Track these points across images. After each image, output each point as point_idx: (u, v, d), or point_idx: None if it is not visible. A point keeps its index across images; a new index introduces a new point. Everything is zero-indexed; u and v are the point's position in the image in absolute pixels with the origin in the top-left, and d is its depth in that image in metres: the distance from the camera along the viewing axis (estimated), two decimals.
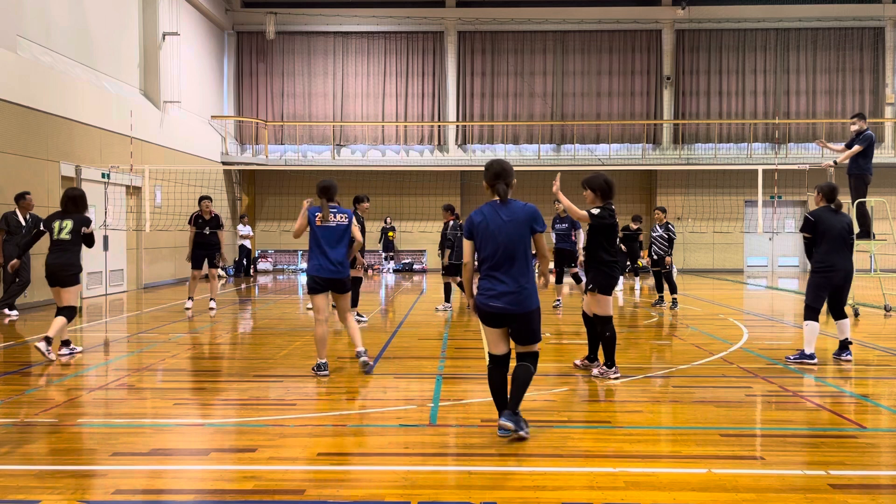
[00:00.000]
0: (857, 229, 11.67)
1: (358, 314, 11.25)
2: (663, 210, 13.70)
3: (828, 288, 7.71)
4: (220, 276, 20.44)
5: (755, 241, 24.51)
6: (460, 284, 12.65)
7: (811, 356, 7.68)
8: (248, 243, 22.32)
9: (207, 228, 12.30)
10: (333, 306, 7.55)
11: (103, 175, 14.78)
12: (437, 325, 10.95)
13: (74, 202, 8.21)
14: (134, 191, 16.81)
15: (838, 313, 7.95)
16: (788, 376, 7.16)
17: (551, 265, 7.03)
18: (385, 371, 7.51)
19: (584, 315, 7.40)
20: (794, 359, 7.79)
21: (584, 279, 11.24)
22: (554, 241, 13.20)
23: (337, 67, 25.05)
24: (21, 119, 12.79)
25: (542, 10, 24.75)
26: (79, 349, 8.40)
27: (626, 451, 4.78)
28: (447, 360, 7.97)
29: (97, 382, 7.02)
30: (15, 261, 8.71)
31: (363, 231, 11.12)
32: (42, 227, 8.26)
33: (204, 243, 12.34)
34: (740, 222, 23.58)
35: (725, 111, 24.88)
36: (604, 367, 7.05)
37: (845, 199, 12.14)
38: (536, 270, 5.16)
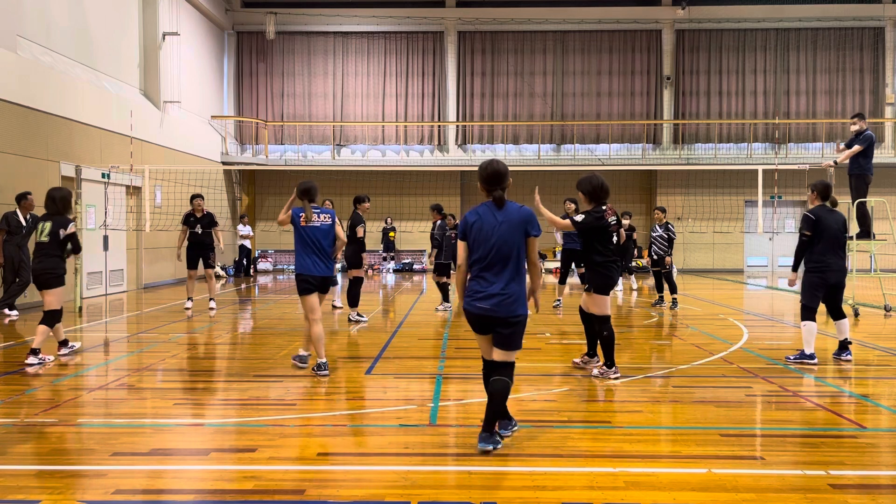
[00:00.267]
0: (857, 229, 11.69)
1: (358, 314, 11.25)
2: (663, 210, 13.70)
3: (823, 287, 7.68)
4: (219, 276, 20.47)
5: (755, 241, 24.51)
6: (442, 285, 12.66)
7: (811, 356, 7.68)
8: (248, 243, 22.32)
9: (199, 227, 12.28)
10: (337, 306, 7.56)
11: (103, 175, 14.78)
12: (437, 325, 10.95)
13: (53, 202, 7.95)
14: (134, 191, 16.81)
15: (837, 313, 7.95)
16: (788, 376, 7.16)
17: (549, 274, 7.13)
18: (385, 371, 7.51)
19: (581, 312, 7.45)
20: (794, 359, 7.79)
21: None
22: (562, 241, 13.20)
23: (337, 67, 25.05)
24: (21, 119, 12.79)
25: (542, 10, 24.75)
26: (77, 345, 8.43)
27: (626, 451, 4.78)
28: (447, 360, 7.97)
29: (97, 382, 7.03)
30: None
31: (363, 231, 11.17)
32: (13, 230, 8.19)
33: (198, 243, 12.33)
34: (740, 222, 23.57)
35: (725, 111, 24.88)
36: (604, 367, 7.06)
37: (845, 199, 12.17)
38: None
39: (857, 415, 5.85)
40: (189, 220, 12.33)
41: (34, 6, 13.71)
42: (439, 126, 25.06)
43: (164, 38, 18.84)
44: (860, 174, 11.37)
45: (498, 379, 4.76)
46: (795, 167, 15.34)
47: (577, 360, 7.63)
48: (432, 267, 12.81)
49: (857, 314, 11.71)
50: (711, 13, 24.62)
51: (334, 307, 12.85)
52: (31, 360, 7.63)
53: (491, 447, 4.70)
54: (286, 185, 22.56)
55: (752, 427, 5.60)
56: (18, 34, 13.08)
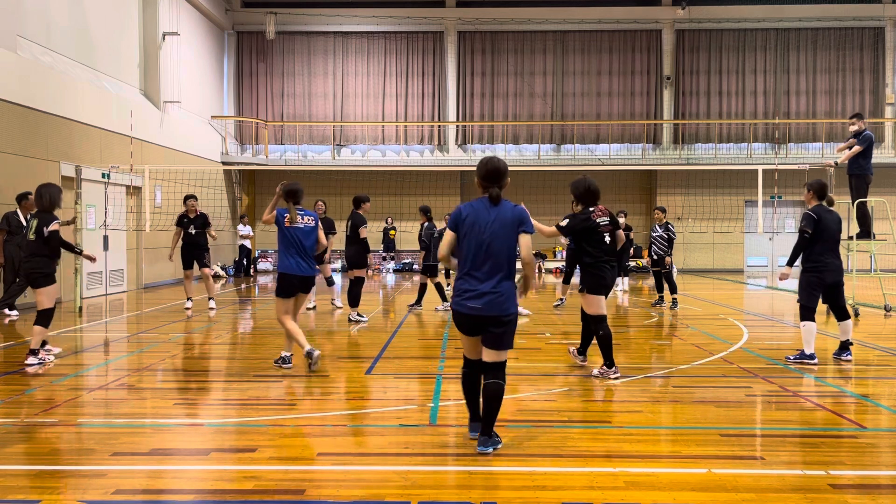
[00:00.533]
0: (857, 229, 11.69)
1: (358, 314, 11.25)
2: (663, 210, 13.69)
3: (820, 287, 7.67)
4: (219, 277, 20.48)
5: (755, 241, 24.51)
6: (437, 285, 12.69)
7: (811, 356, 7.68)
8: (248, 243, 22.32)
9: (193, 228, 12.31)
10: (337, 306, 7.59)
11: (103, 175, 14.78)
12: (437, 325, 10.95)
13: (40, 199, 7.75)
14: (134, 191, 16.81)
15: (841, 313, 7.94)
16: (788, 376, 7.16)
17: (542, 270, 7.26)
18: (385, 371, 7.52)
19: (582, 311, 7.49)
20: (795, 359, 7.79)
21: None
22: (566, 240, 13.17)
23: (337, 67, 25.05)
24: (21, 119, 12.79)
25: (542, 10, 24.75)
26: (57, 350, 8.21)
27: (626, 451, 4.78)
28: (447, 360, 7.97)
29: (97, 382, 7.03)
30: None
31: (366, 231, 11.24)
32: (13, 230, 8.12)
33: (191, 243, 12.36)
34: (740, 222, 23.57)
35: (725, 111, 24.88)
36: (603, 367, 7.07)
37: (845, 199, 12.17)
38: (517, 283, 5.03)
39: (857, 415, 5.85)
40: (183, 220, 12.36)
41: (34, 6, 13.71)
42: (439, 126, 25.06)
43: (164, 38, 18.84)
44: (860, 174, 11.38)
45: (493, 382, 4.72)
46: (795, 167, 15.34)
47: (571, 348, 7.78)
48: (421, 266, 12.83)
49: (857, 314, 11.71)
50: (711, 13, 24.62)
51: (334, 306, 12.87)
52: (31, 360, 7.62)
53: (490, 449, 4.69)
54: None
55: (752, 427, 5.60)
56: (18, 34, 13.08)
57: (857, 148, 11.22)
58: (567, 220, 7.08)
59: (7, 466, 4.50)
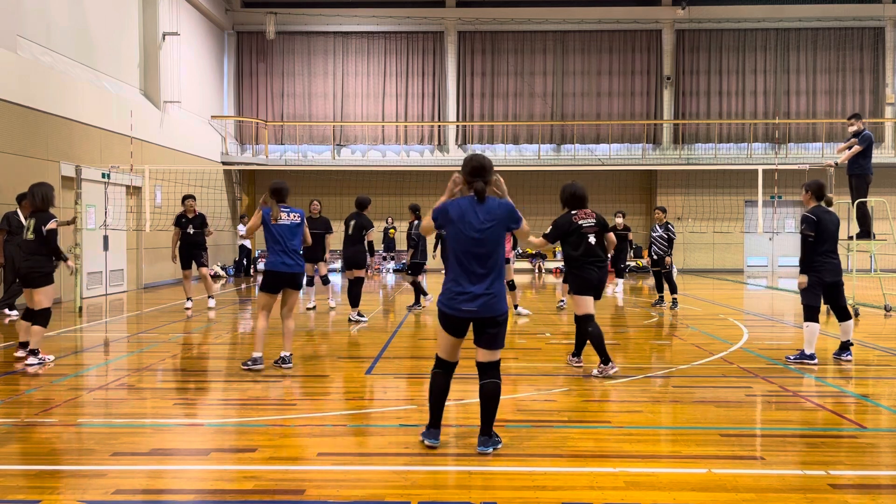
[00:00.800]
0: (857, 229, 11.69)
1: (359, 314, 11.26)
2: (663, 210, 13.67)
3: (820, 285, 7.67)
4: (218, 276, 20.48)
5: (755, 241, 24.51)
6: (415, 284, 12.76)
7: (811, 356, 7.68)
8: (248, 243, 22.32)
9: (191, 227, 12.34)
10: (331, 306, 7.61)
11: (103, 175, 14.78)
12: (437, 325, 10.94)
13: (33, 198, 7.78)
14: (134, 191, 16.82)
15: (842, 313, 7.94)
16: (788, 376, 7.16)
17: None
18: (385, 371, 7.52)
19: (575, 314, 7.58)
20: (795, 359, 7.79)
21: None
22: None
23: (337, 67, 25.05)
24: (21, 119, 12.79)
25: (542, 10, 24.75)
26: (50, 358, 8.07)
27: (626, 451, 4.78)
28: None
29: (97, 382, 7.03)
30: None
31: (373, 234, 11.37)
32: (13, 230, 8.11)
33: (189, 243, 12.39)
34: (740, 222, 23.57)
35: (725, 111, 24.88)
36: (601, 366, 7.10)
37: (845, 199, 12.17)
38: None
39: (857, 415, 5.85)
40: (181, 220, 12.40)
41: (34, 6, 13.71)
42: (439, 126, 25.06)
43: (164, 38, 18.84)
44: (861, 174, 11.38)
45: (490, 382, 4.74)
46: (795, 167, 15.33)
47: (568, 357, 7.77)
48: (409, 264, 12.80)
49: (857, 314, 11.71)
50: (711, 13, 24.61)
51: (329, 306, 12.82)
52: (31, 360, 7.61)
53: (491, 449, 4.70)
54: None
55: (752, 427, 5.60)
56: (18, 34, 13.08)
57: (856, 148, 11.22)
58: (549, 230, 7.30)
59: (7, 466, 4.50)
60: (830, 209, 7.85)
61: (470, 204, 4.69)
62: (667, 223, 13.44)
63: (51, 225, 7.69)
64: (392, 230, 24.25)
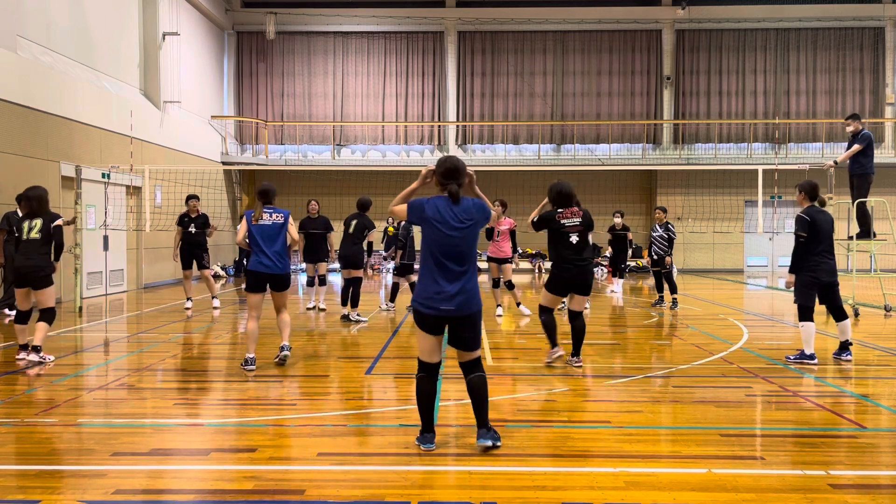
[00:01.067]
0: (857, 229, 11.69)
1: (358, 314, 11.26)
2: (664, 210, 13.66)
3: (815, 286, 7.69)
4: (219, 276, 20.48)
5: (755, 241, 24.51)
6: (412, 285, 12.66)
7: (811, 356, 7.68)
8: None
9: (193, 227, 12.33)
10: (321, 308, 7.62)
11: (103, 175, 14.78)
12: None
13: (29, 202, 7.96)
14: (134, 191, 16.82)
15: (839, 314, 7.94)
16: (788, 376, 7.17)
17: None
18: (385, 371, 7.52)
19: (569, 312, 7.71)
20: (795, 359, 7.79)
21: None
22: None
23: (337, 67, 25.05)
24: (21, 119, 12.79)
25: (542, 10, 24.74)
26: (51, 358, 8.06)
27: (626, 451, 4.78)
28: (447, 360, 7.95)
29: (97, 382, 7.03)
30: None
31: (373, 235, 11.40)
32: (16, 231, 8.10)
33: (191, 243, 12.38)
34: (740, 222, 23.57)
35: (725, 111, 24.88)
36: (549, 352, 7.65)
37: (846, 199, 12.16)
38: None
39: (857, 415, 5.85)
40: (184, 220, 12.39)
41: (34, 6, 13.71)
42: (439, 126, 25.06)
43: (164, 38, 18.84)
44: (862, 174, 11.37)
45: (477, 376, 4.84)
46: (795, 167, 15.33)
47: (568, 358, 7.74)
48: (398, 265, 12.60)
49: (857, 314, 11.71)
50: (711, 13, 24.61)
51: (320, 310, 12.55)
52: (33, 356, 7.62)
53: (489, 442, 4.73)
54: (286, 186, 22.56)
55: (752, 427, 5.60)
56: (18, 34, 13.08)
57: (856, 147, 11.22)
58: (537, 218, 7.58)
59: (7, 466, 4.50)
60: (824, 209, 7.86)
61: (446, 204, 4.79)
62: (667, 223, 13.44)
63: (58, 222, 7.95)
64: (392, 228, 24.24)
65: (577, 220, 7.39)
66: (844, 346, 7.94)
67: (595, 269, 22.25)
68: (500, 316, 11.76)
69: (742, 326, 10.68)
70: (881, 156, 23.06)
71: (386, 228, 24.19)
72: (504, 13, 24.72)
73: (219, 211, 20.90)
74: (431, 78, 25.04)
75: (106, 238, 15.55)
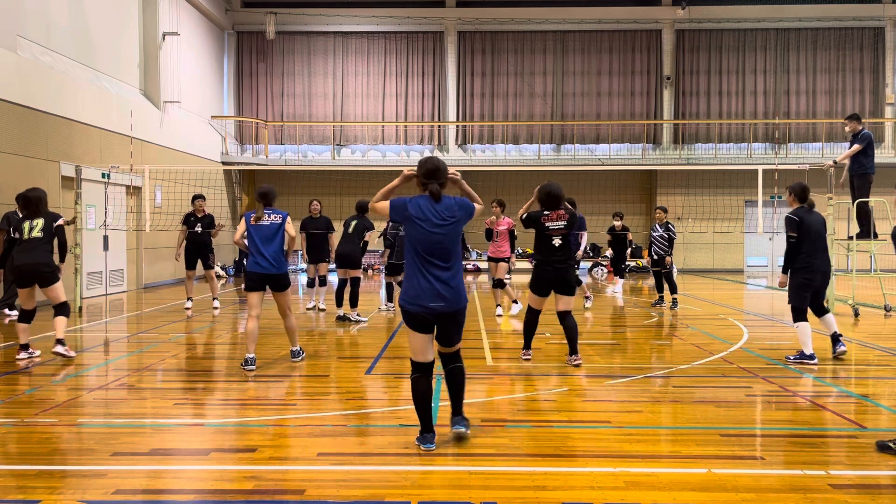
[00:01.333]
0: (857, 229, 11.69)
1: (358, 314, 11.26)
2: (664, 210, 13.65)
3: (810, 288, 7.77)
4: (219, 276, 20.48)
5: (755, 241, 24.50)
6: (388, 285, 12.72)
7: (811, 356, 7.70)
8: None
9: (199, 227, 12.32)
10: (321, 308, 7.64)
11: (103, 175, 14.79)
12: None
13: (28, 202, 8.06)
14: (134, 191, 16.82)
15: (819, 310, 8.02)
16: (788, 376, 7.17)
17: None
18: (385, 371, 7.52)
19: (558, 312, 7.79)
20: (794, 359, 7.80)
21: (583, 281, 11.57)
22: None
23: (337, 67, 25.05)
24: (21, 119, 12.79)
25: (542, 10, 24.75)
26: (37, 353, 8.14)
27: (626, 451, 4.78)
28: None
29: (97, 382, 7.03)
30: None
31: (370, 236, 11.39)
32: (12, 232, 8.13)
33: (197, 243, 12.37)
34: (740, 222, 23.57)
35: (725, 111, 24.88)
36: (523, 350, 7.94)
37: (846, 199, 12.16)
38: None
39: (857, 415, 5.85)
40: (189, 219, 12.38)
41: (34, 6, 13.71)
42: (439, 126, 25.05)
43: (164, 38, 18.84)
44: (863, 173, 11.37)
45: (455, 367, 5.04)
46: (795, 167, 15.32)
47: (567, 358, 7.80)
48: (386, 264, 12.58)
49: (857, 314, 11.71)
50: (711, 13, 24.61)
51: (319, 310, 12.55)
52: (58, 349, 7.79)
53: (462, 429, 4.94)
54: (286, 186, 22.56)
55: (752, 427, 5.60)
56: (18, 34, 13.08)
57: (856, 147, 11.22)
58: (525, 216, 7.82)
59: (7, 466, 4.50)
60: (814, 210, 7.92)
61: (428, 203, 4.95)
62: (667, 223, 13.43)
63: (61, 221, 8.11)
64: None
65: (561, 224, 7.59)
66: (836, 339, 8.01)
67: (595, 270, 22.25)
68: (499, 316, 11.75)
69: (742, 326, 10.68)
70: (881, 156, 23.04)
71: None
72: (504, 13, 24.72)
73: (219, 211, 20.88)
74: (431, 78, 25.04)
75: (106, 238, 15.55)
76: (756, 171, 13.98)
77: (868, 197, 11.51)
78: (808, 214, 7.76)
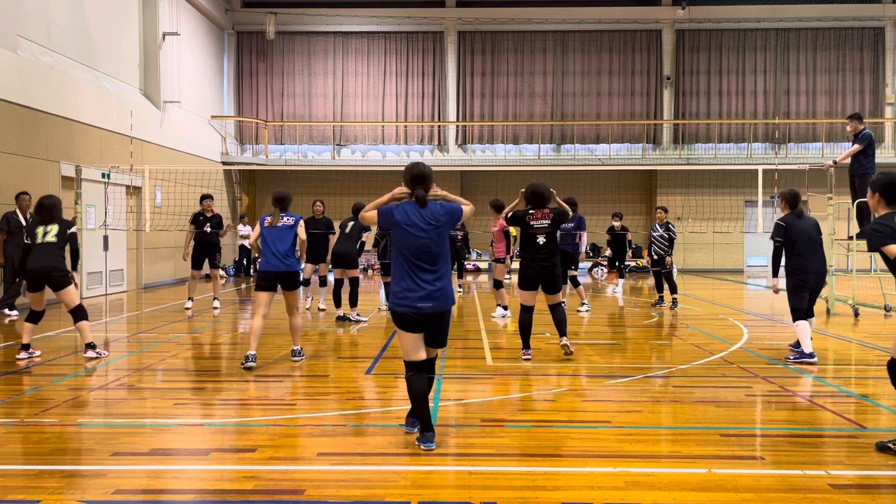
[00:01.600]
0: (857, 229, 11.69)
1: (357, 314, 11.26)
2: (664, 210, 13.65)
3: (805, 289, 7.86)
4: (220, 276, 20.48)
5: (755, 241, 24.49)
6: (386, 285, 12.74)
7: (810, 355, 7.70)
8: (247, 243, 22.32)
9: (208, 226, 12.32)
10: (321, 308, 7.66)
11: (103, 175, 14.79)
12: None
13: (42, 209, 8.08)
14: (134, 191, 16.82)
15: (807, 312, 8.06)
16: (788, 376, 7.17)
17: None
18: (385, 371, 7.52)
19: (549, 307, 8.05)
20: (794, 359, 7.81)
21: (581, 283, 11.66)
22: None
23: (337, 67, 25.05)
24: (21, 119, 12.79)
25: (542, 10, 24.75)
26: (37, 353, 8.16)
27: (626, 451, 4.78)
28: (447, 360, 7.97)
29: (97, 382, 7.03)
30: None
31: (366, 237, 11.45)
32: (26, 238, 8.14)
33: (205, 242, 12.36)
34: (740, 222, 23.58)
35: (725, 111, 24.88)
36: (522, 350, 7.98)
37: (846, 199, 12.16)
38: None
39: (856, 415, 5.85)
40: (198, 219, 12.38)
41: (34, 6, 13.71)
42: (439, 126, 25.05)
43: (164, 38, 18.84)
44: (864, 173, 11.36)
45: (431, 379, 5.08)
46: (795, 167, 15.34)
47: (562, 343, 8.07)
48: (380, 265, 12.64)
49: (856, 314, 11.71)
50: (711, 13, 24.61)
51: (319, 310, 12.49)
52: (90, 353, 7.93)
53: (424, 446, 4.77)
54: (286, 186, 22.49)
55: (752, 427, 5.60)
56: (18, 34, 13.08)
57: (856, 147, 11.22)
58: (510, 214, 8.01)
59: (7, 466, 4.50)
60: (805, 215, 8.01)
61: (413, 208, 5.01)
62: (667, 223, 13.43)
63: (74, 229, 8.23)
64: None
65: (545, 223, 7.74)
66: (796, 345, 8.14)
67: (596, 269, 22.24)
68: (493, 316, 11.77)
69: (742, 326, 10.68)
70: (881, 156, 23.02)
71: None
72: (504, 13, 24.72)
73: (219, 211, 20.87)
74: (431, 78, 25.04)
75: (106, 238, 15.55)
76: (756, 171, 13.99)
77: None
78: (798, 220, 7.89)
